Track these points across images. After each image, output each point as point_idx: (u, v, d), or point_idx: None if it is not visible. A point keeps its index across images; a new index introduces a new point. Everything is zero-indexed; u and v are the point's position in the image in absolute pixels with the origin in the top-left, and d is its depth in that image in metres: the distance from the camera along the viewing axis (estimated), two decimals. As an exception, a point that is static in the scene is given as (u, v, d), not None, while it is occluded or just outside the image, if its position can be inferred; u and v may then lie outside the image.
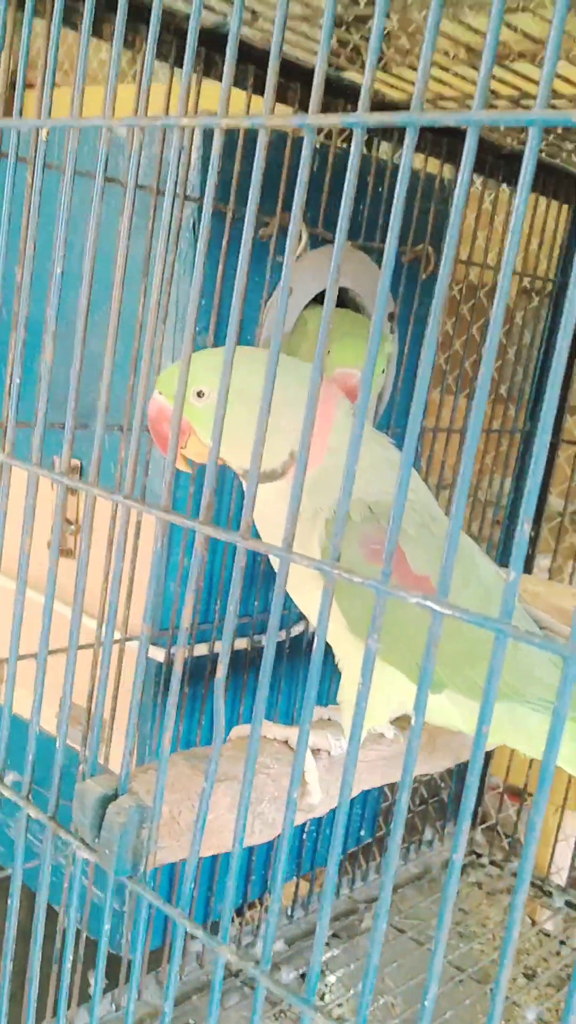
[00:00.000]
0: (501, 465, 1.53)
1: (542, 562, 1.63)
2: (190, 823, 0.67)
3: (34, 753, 0.70)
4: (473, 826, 1.69)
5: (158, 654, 1.11)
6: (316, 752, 0.75)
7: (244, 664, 1.21)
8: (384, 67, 0.97)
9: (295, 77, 1.00)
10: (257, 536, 0.77)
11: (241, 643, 1.19)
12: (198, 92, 1.00)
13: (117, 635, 1.08)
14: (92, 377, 0.65)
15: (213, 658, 1.16)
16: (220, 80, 0.97)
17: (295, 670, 1.29)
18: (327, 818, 1.41)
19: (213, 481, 0.58)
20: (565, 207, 1.37)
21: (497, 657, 0.46)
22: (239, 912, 1.36)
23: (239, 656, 1.20)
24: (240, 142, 0.99)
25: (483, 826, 1.70)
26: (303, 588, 0.73)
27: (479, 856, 1.66)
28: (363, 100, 0.48)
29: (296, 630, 1.26)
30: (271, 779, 0.71)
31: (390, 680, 0.70)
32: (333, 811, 1.11)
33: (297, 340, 1.13)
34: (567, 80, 0.97)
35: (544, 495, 1.54)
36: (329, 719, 0.80)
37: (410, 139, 0.47)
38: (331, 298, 0.52)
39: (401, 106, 1.09)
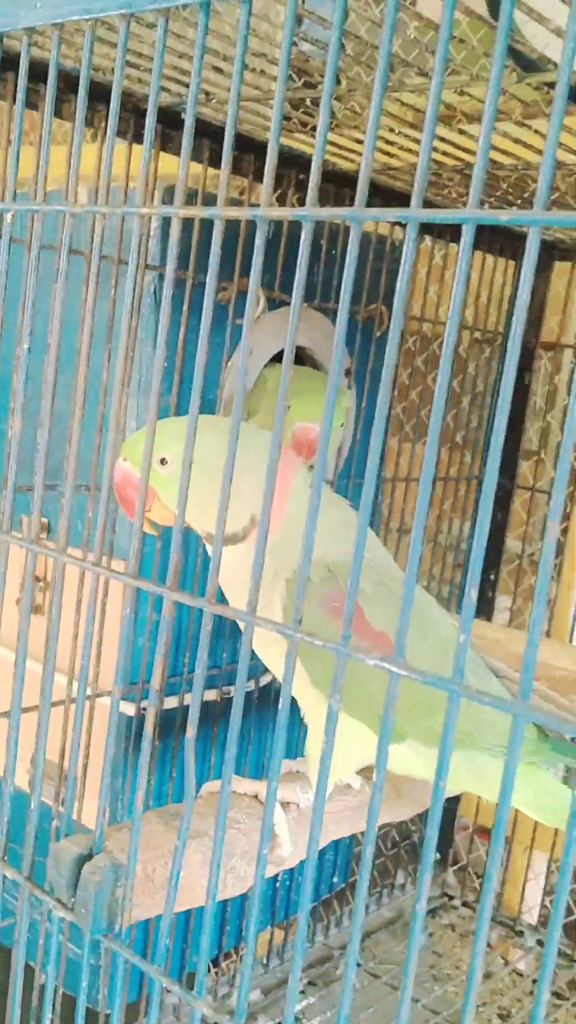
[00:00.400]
0: (459, 510, 1.57)
1: (502, 604, 1.67)
2: (164, 880, 0.69)
3: (8, 812, 0.71)
4: (444, 868, 1.71)
5: (128, 708, 1.13)
6: (285, 805, 0.77)
7: (214, 716, 1.23)
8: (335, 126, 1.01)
9: (248, 149, 1.04)
10: (222, 598, 0.80)
11: (210, 694, 1.21)
12: (156, 162, 1.04)
13: (88, 691, 1.09)
14: (59, 439, 0.68)
15: (183, 710, 1.17)
16: (176, 154, 1.01)
17: (264, 720, 1.31)
18: (299, 867, 1.42)
19: (178, 548, 0.61)
20: (512, 262, 1.43)
21: (451, 715, 0.48)
22: (215, 963, 1.37)
23: (208, 707, 1.22)
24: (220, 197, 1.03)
25: (455, 867, 1.71)
26: (267, 646, 0.75)
27: (451, 898, 1.68)
28: (360, 192, 0.52)
29: (264, 680, 1.28)
30: (242, 833, 0.73)
31: (354, 733, 0.72)
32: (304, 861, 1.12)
33: (257, 397, 1.16)
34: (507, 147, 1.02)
35: (502, 538, 1.58)
36: (297, 771, 0.82)
37: (411, 236, 0.50)
38: (288, 361, 0.55)
39: (351, 175, 1.14)
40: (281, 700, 0.55)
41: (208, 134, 1.00)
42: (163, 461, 0.76)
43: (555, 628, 1.57)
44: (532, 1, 0.73)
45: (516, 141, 0.85)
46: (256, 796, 0.77)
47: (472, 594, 0.49)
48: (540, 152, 0.86)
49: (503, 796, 0.45)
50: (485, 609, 1.59)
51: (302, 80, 0.81)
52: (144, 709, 1.15)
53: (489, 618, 1.58)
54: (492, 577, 1.59)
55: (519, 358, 1.31)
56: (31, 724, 0.72)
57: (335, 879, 1.54)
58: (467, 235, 0.48)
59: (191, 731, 0.59)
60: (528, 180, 1.02)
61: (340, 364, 0.53)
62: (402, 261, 0.48)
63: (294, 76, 0.80)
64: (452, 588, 1.66)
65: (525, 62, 0.85)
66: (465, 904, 1.67)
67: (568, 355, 1.49)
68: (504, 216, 0.46)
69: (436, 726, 0.73)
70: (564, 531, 1.59)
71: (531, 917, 1.64)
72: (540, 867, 1.64)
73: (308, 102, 0.85)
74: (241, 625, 0.59)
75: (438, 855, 1.71)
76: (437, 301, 1.38)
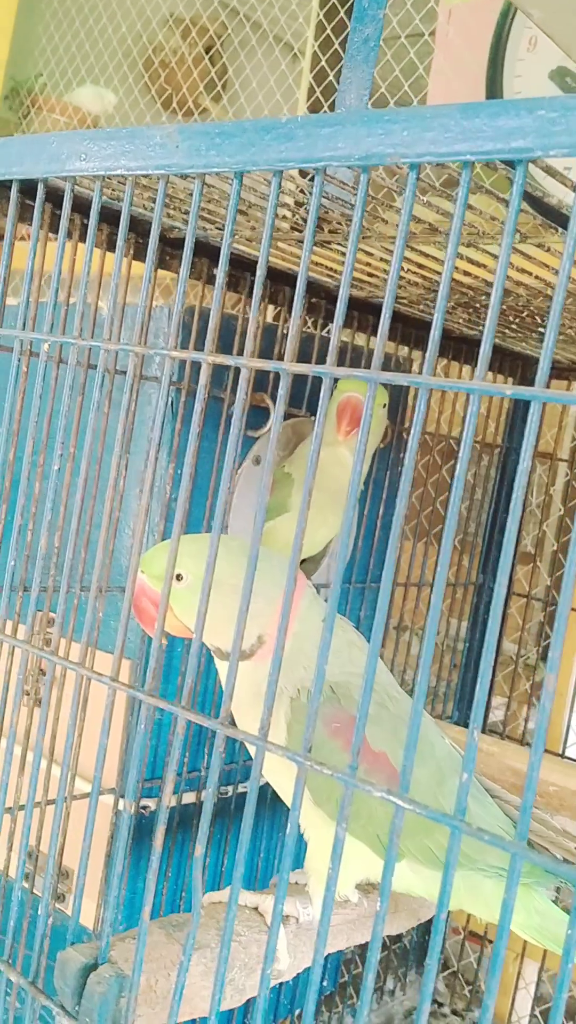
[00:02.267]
0: (457, 611, 1.60)
1: (497, 703, 1.69)
2: (166, 991, 0.70)
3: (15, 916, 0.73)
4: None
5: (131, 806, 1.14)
6: (285, 919, 0.78)
7: (229, 812, 1.24)
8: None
9: (244, 268, 1.10)
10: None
11: (191, 797, 1.23)
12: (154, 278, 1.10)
13: (88, 789, 1.11)
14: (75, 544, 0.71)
15: (182, 809, 1.19)
16: (176, 271, 1.07)
17: (259, 820, 1.31)
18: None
19: (195, 670, 0.64)
20: (510, 378, 1.48)
21: (453, 851, 0.51)
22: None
23: (190, 810, 1.23)
24: (215, 327, 1.08)
25: (444, 973, 1.70)
26: (271, 764, 0.78)
27: (440, 1005, 1.66)
28: (331, 355, 0.57)
29: (244, 787, 1.29)
30: (241, 946, 0.75)
31: (354, 852, 0.75)
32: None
33: (284, 493, 1.20)
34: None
35: (499, 642, 1.61)
36: (296, 883, 0.84)
37: (422, 399, 0.55)
38: (310, 477, 0.59)
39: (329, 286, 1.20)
40: (288, 826, 0.58)
41: (207, 253, 1.06)
42: (179, 577, 0.79)
43: (549, 735, 1.59)
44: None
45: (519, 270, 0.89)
46: (256, 909, 0.78)
47: (475, 735, 0.52)
48: (535, 276, 0.91)
49: (499, 940, 0.48)
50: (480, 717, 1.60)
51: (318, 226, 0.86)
52: (144, 808, 1.16)
53: (484, 722, 1.60)
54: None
55: (515, 469, 1.36)
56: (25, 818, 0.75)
57: (324, 983, 1.53)
58: (474, 403, 0.52)
59: (199, 850, 0.62)
60: (529, 303, 1.07)
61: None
62: (413, 424, 0.53)
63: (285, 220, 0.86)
64: (448, 688, 1.68)
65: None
66: (455, 1012, 1.66)
67: (562, 468, 1.54)
68: (508, 390, 0.51)
69: (433, 845, 0.75)
70: (559, 638, 1.62)
71: (521, 1028, 1.63)
72: (531, 976, 1.63)
73: (325, 242, 0.91)
74: (251, 748, 0.62)
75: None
76: (438, 410, 1.44)
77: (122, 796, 1.13)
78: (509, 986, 1.63)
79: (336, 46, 1.88)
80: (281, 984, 1.42)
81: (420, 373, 0.53)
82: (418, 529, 1.67)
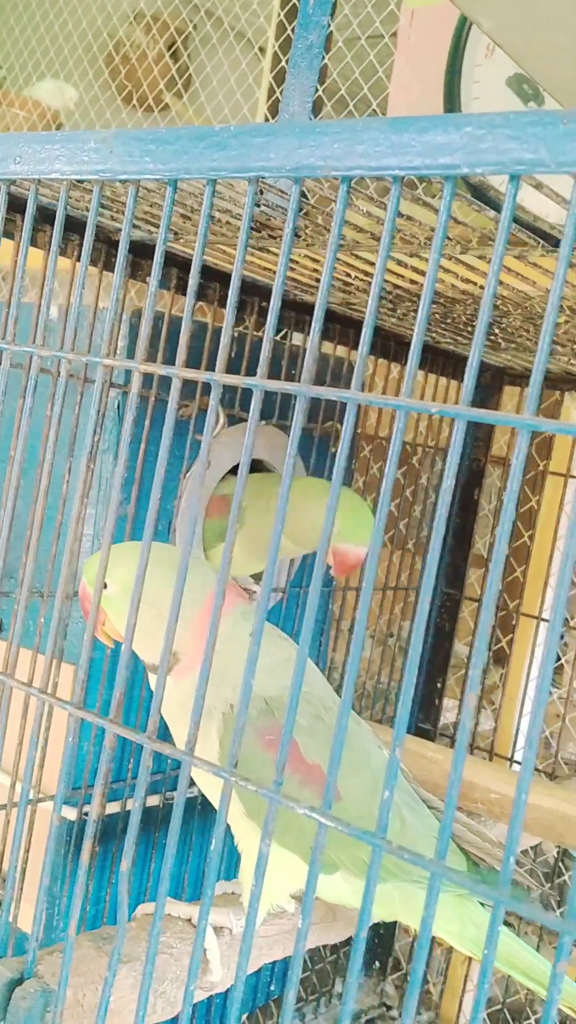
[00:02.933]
0: (410, 614, 1.61)
1: (449, 705, 1.69)
2: (94, 1005, 0.69)
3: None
4: (384, 977, 1.70)
5: (70, 813, 1.13)
6: (219, 930, 0.78)
7: (156, 822, 1.23)
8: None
9: (212, 278, 1.09)
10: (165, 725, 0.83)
11: (153, 799, 1.22)
12: (125, 286, 1.09)
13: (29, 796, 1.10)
14: (16, 545, 0.71)
15: (125, 815, 1.18)
16: (144, 281, 1.06)
17: (205, 827, 1.31)
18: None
19: (123, 683, 0.63)
20: (460, 383, 1.49)
21: (374, 868, 0.51)
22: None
23: (151, 813, 1.22)
24: (164, 332, 1.08)
25: (394, 976, 1.71)
26: (204, 778, 0.78)
27: (389, 1008, 1.67)
28: (261, 366, 0.56)
29: (190, 793, 1.28)
30: (173, 959, 0.74)
31: (288, 862, 0.74)
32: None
33: (262, 518, 1.15)
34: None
35: (449, 645, 1.61)
36: (233, 893, 0.84)
37: (350, 413, 0.54)
38: (243, 476, 0.58)
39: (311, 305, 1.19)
40: (215, 841, 0.57)
41: (176, 264, 1.05)
42: (106, 585, 0.79)
43: (499, 739, 1.60)
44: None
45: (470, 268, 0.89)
46: (190, 920, 0.78)
47: (397, 753, 0.52)
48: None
49: (417, 962, 0.47)
50: (432, 716, 1.61)
51: (264, 232, 0.86)
52: (86, 815, 1.15)
53: (435, 725, 1.60)
54: (439, 684, 1.62)
55: (468, 474, 1.36)
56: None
57: (272, 987, 1.53)
58: (400, 420, 0.52)
59: (125, 864, 0.61)
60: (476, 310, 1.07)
61: (290, 474, 0.57)
62: (340, 447, 0.52)
63: (258, 229, 0.85)
64: (399, 691, 1.69)
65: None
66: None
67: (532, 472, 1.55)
68: (434, 408, 0.50)
69: (365, 857, 0.75)
70: (508, 643, 1.63)
71: (468, 1030, 1.64)
72: (478, 978, 1.64)
73: (271, 249, 0.91)
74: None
75: (377, 964, 1.70)
76: (393, 414, 1.44)
77: (68, 803, 1.12)
78: (457, 988, 1.64)
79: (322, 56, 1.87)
80: (226, 993, 1.42)
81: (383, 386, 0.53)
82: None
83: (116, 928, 0.77)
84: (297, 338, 1.31)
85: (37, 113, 2.35)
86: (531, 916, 0.46)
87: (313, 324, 0.55)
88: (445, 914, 0.79)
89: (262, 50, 2.09)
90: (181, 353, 0.61)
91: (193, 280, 0.60)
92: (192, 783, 1.24)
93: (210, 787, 0.78)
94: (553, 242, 0.80)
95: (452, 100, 1.57)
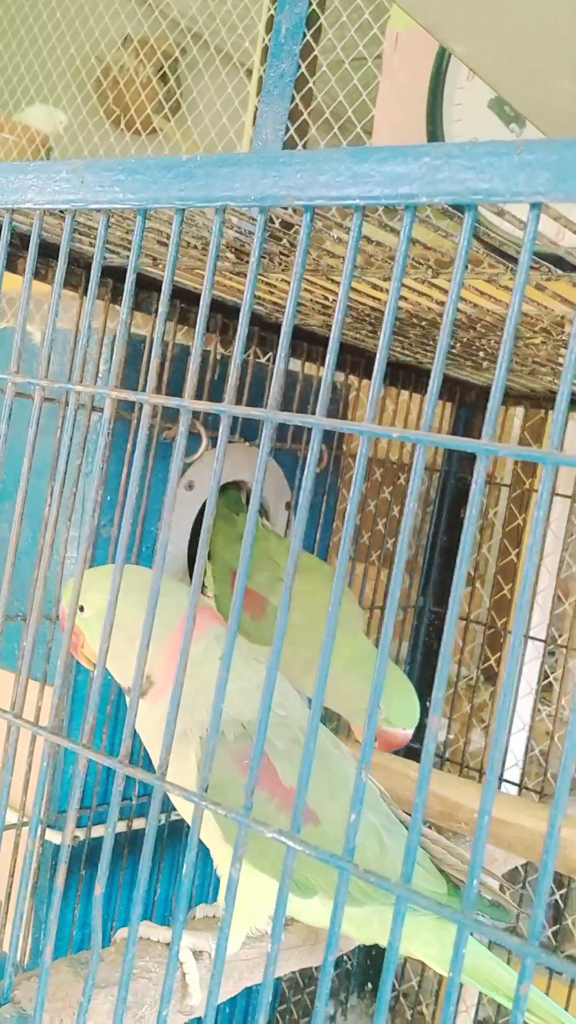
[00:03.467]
0: (398, 633, 1.61)
1: (439, 731, 1.69)
2: (72, 1031, 0.69)
3: None
4: (376, 999, 1.69)
5: (55, 837, 1.13)
6: (199, 954, 0.78)
7: (125, 847, 1.23)
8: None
9: (194, 303, 1.10)
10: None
11: (139, 823, 1.22)
12: (106, 311, 1.10)
13: (14, 819, 1.10)
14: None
15: (94, 842, 1.18)
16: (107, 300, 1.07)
17: (176, 853, 1.31)
18: (225, 1005, 1.41)
19: (95, 707, 0.63)
20: (448, 404, 1.50)
21: (341, 892, 0.51)
22: None
23: (138, 837, 1.22)
24: (145, 357, 1.08)
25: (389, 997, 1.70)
26: (182, 802, 0.78)
27: (381, 1029, 1.66)
28: (229, 392, 0.57)
29: (176, 815, 1.28)
30: (152, 983, 0.74)
31: (265, 885, 0.74)
32: (228, 1002, 1.12)
33: (270, 579, 1.12)
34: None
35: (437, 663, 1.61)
36: (214, 916, 0.83)
37: (316, 440, 0.55)
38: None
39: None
40: (186, 865, 0.57)
41: (156, 287, 1.07)
42: (81, 608, 0.80)
43: (487, 756, 1.60)
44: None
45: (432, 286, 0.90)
46: (169, 944, 0.78)
47: (364, 775, 0.52)
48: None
49: (383, 986, 0.48)
50: (418, 735, 1.61)
51: (244, 259, 0.87)
52: (74, 838, 1.15)
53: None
54: (427, 703, 1.62)
55: (455, 492, 1.37)
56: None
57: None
58: (364, 445, 0.52)
59: (99, 889, 0.61)
60: (455, 333, 1.08)
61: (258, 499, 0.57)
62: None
63: (231, 255, 0.86)
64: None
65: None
66: (395, 1036, 1.66)
67: (504, 492, 1.56)
68: (395, 433, 0.51)
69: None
70: (497, 661, 1.63)
71: (461, 1050, 1.63)
72: (471, 999, 1.63)
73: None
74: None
75: (370, 985, 1.70)
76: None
77: (50, 827, 1.12)
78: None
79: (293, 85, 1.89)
80: (215, 1019, 1.41)
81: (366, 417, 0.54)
82: (357, 551, 1.68)
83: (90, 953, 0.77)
84: (293, 363, 1.31)
85: (27, 138, 2.37)
86: (494, 938, 0.47)
87: (279, 348, 0.55)
88: (424, 937, 0.79)
89: (249, 72, 2.11)
90: (151, 380, 0.62)
91: (163, 307, 0.61)
92: (167, 809, 1.24)
93: (186, 811, 0.78)
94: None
95: (434, 122, 1.59)
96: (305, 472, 0.55)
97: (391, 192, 0.51)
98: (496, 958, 0.81)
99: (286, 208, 0.58)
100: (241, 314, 0.57)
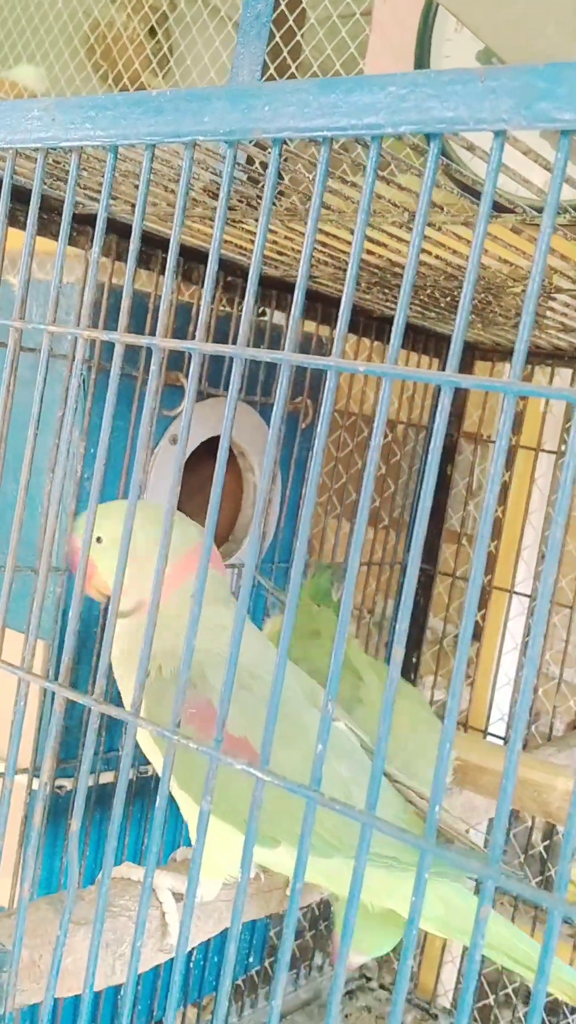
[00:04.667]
0: (384, 590, 1.62)
1: (424, 688, 1.70)
2: (50, 966, 0.70)
3: None
4: (363, 948, 1.71)
5: (46, 785, 1.14)
6: (179, 895, 0.79)
7: (131, 795, 1.24)
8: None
9: (156, 245, 1.09)
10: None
11: (108, 777, 1.23)
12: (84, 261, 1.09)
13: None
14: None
15: (99, 788, 1.19)
16: (121, 258, 1.06)
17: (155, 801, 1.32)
18: (215, 944, 1.43)
19: (72, 646, 0.64)
20: (436, 359, 1.49)
21: (308, 821, 0.52)
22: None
23: (109, 790, 1.24)
24: (126, 306, 1.08)
25: (373, 948, 1.72)
26: (142, 739, 0.79)
27: (368, 980, 1.68)
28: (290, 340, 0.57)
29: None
30: (133, 922, 0.75)
31: (233, 832, 0.75)
32: (220, 937, 1.14)
33: (349, 686, 1.05)
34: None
35: (424, 621, 1.62)
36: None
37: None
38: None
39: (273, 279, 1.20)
40: (159, 799, 0.58)
41: (117, 230, 1.06)
42: (99, 539, 0.84)
43: (473, 712, 1.61)
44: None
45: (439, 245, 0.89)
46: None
47: (329, 707, 0.52)
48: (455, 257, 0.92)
49: (344, 940, 0.48)
50: (406, 691, 1.62)
51: (239, 203, 0.86)
52: (60, 788, 1.16)
53: (410, 699, 1.61)
54: (415, 659, 1.63)
55: (442, 449, 1.36)
56: None
57: (251, 959, 1.54)
58: (331, 379, 0.53)
59: (75, 824, 0.62)
60: (437, 282, 1.08)
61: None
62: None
63: (209, 199, 0.85)
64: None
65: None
66: (382, 986, 1.68)
67: (490, 448, 1.55)
68: (362, 367, 0.51)
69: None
70: (482, 617, 1.64)
71: (446, 1000, 1.65)
72: (456, 950, 1.66)
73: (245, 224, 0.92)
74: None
75: (357, 935, 1.72)
76: (348, 390, 1.45)
77: (35, 776, 1.13)
78: (435, 960, 1.66)
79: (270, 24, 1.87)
80: (205, 960, 1.43)
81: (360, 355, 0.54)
82: (343, 511, 1.68)
83: (79, 892, 0.79)
84: (278, 316, 1.31)
85: (14, 95, 2.34)
86: (455, 864, 0.47)
87: (248, 286, 0.55)
88: (404, 891, 0.79)
89: (237, 26, 2.08)
90: (123, 319, 0.61)
91: (134, 245, 0.60)
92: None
93: (150, 753, 0.80)
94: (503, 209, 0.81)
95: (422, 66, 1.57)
96: (275, 410, 0.55)
97: (357, 122, 0.50)
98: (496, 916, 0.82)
99: (254, 143, 0.58)
100: (211, 252, 0.57)
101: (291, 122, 0.53)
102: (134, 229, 0.60)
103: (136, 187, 0.87)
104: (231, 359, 0.59)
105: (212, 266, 0.56)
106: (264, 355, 0.55)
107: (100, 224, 0.62)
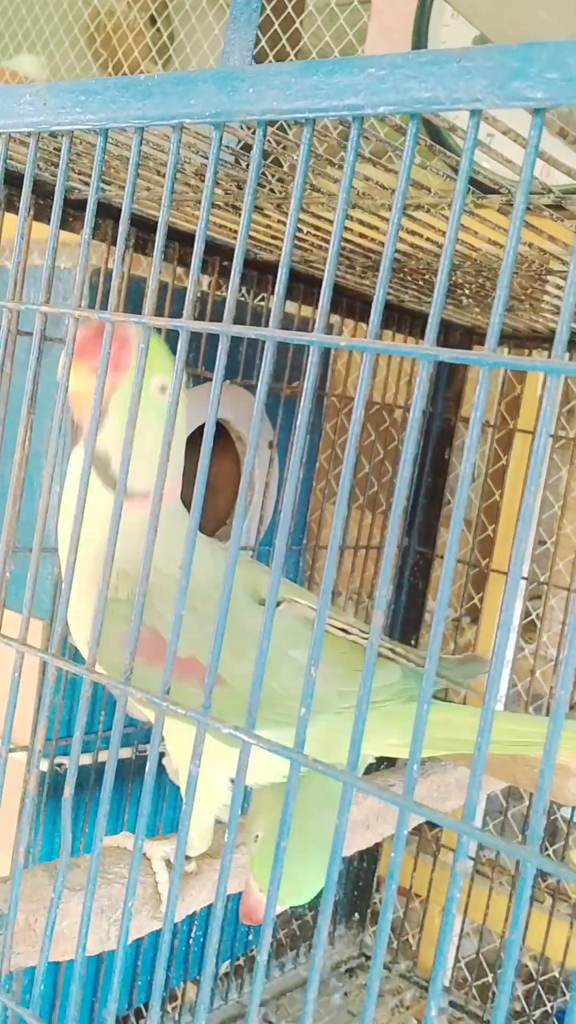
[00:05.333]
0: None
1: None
2: (44, 929, 0.72)
3: None
4: (363, 928, 1.74)
5: (42, 764, 1.16)
6: (169, 863, 0.81)
7: (130, 773, 1.26)
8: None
9: (154, 231, 1.11)
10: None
11: (126, 752, 1.25)
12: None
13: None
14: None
15: (99, 767, 1.21)
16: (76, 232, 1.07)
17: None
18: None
19: (64, 616, 0.66)
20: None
21: (292, 782, 0.53)
22: (125, 1020, 1.38)
23: (125, 765, 1.25)
24: (123, 290, 1.09)
25: (374, 927, 1.74)
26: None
27: (368, 958, 1.71)
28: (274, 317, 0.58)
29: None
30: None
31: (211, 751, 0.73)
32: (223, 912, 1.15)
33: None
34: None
35: (423, 604, 1.64)
36: (189, 829, 0.86)
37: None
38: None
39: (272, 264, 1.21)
40: (148, 765, 0.60)
41: (112, 215, 1.07)
42: (163, 388, 0.79)
43: (471, 693, 1.63)
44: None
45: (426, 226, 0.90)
46: (145, 853, 0.80)
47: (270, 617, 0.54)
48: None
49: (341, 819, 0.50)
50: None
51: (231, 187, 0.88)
52: (59, 766, 1.18)
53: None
54: (414, 642, 1.65)
55: (439, 433, 1.38)
56: None
57: (251, 936, 1.56)
58: (314, 355, 0.54)
59: (68, 791, 0.64)
60: (430, 266, 1.09)
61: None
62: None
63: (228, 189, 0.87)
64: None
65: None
66: (384, 965, 1.70)
67: (489, 433, 1.57)
68: (343, 342, 0.53)
69: (277, 714, 0.76)
70: (480, 600, 1.65)
71: (444, 979, 1.68)
72: (456, 929, 1.68)
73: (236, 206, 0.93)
74: (115, 692, 0.63)
75: (356, 915, 1.74)
76: (346, 375, 1.46)
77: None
78: (434, 937, 1.68)
79: (268, 12, 1.88)
80: (205, 936, 1.46)
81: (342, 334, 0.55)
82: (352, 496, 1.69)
83: (73, 860, 0.80)
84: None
85: (15, 83, 2.35)
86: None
87: (234, 264, 0.56)
88: (390, 731, 0.81)
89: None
90: (113, 299, 0.63)
91: (123, 227, 0.62)
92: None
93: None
94: (487, 191, 0.82)
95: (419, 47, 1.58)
96: (260, 384, 0.56)
97: (339, 103, 0.52)
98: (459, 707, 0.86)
99: (240, 125, 0.59)
100: (197, 232, 0.58)
101: (274, 104, 0.54)
102: (123, 212, 0.61)
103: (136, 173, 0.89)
104: (237, 343, 0.60)
105: (199, 244, 0.58)
106: (249, 332, 0.57)
107: (91, 207, 0.63)
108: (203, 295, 1.21)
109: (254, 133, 0.75)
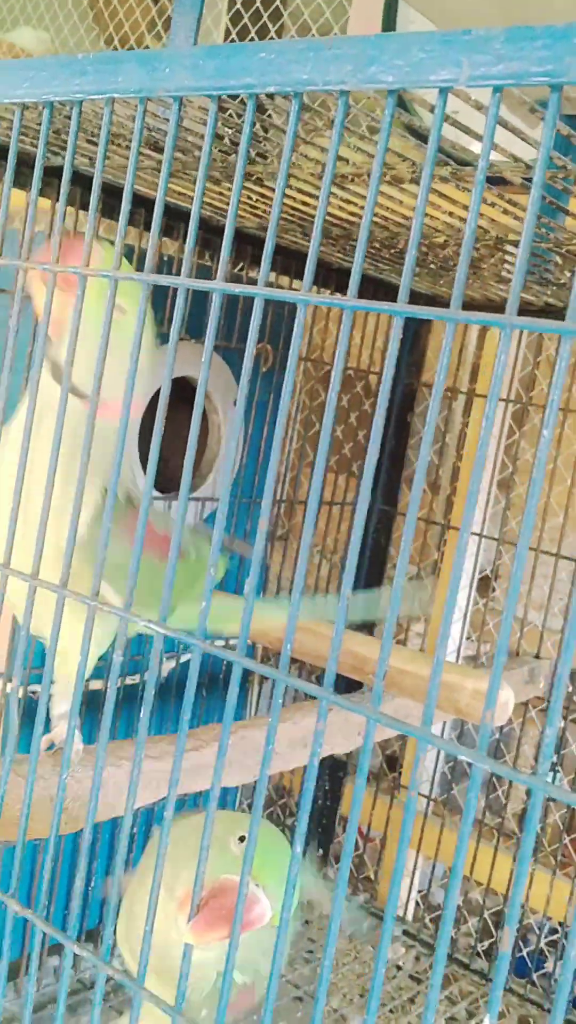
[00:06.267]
0: (346, 530, 1.73)
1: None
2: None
3: None
4: (325, 863, 1.84)
5: (20, 690, 1.26)
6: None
7: (171, 687, 1.39)
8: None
9: (137, 204, 1.19)
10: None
11: (168, 664, 1.37)
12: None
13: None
14: None
15: (128, 689, 1.32)
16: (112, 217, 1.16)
17: (215, 688, 1.46)
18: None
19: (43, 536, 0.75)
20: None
21: (192, 668, 0.63)
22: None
23: (132, 691, 1.37)
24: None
25: (336, 864, 1.85)
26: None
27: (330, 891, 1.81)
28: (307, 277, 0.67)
29: (184, 657, 1.42)
30: (76, 780, 0.87)
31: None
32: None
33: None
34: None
35: (385, 560, 1.73)
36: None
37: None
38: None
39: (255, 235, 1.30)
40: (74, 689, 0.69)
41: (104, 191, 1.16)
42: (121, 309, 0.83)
43: (430, 643, 1.72)
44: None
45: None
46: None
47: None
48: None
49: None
50: (367, 627, 1.73)
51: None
52: (34, 693, 1.28)
53: (371, 633, 1.72)
54: (376, 592, 1.74)
55: (402, 397, 1.49)
56: None
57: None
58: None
59: (12, 685, 0.73)
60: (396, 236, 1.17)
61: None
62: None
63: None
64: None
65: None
66: (344, 898, 1.81)
67: (452, 399, 1.65)
68: (375, 304, 0.61)
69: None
70: (441, 556, 1.74)
71: (401, 911, 1.78)
72: (411, 864, 1.78)
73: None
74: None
75: (320, 851, 1.84)
76: (322, 342, 1.55)
77: (9, 680, 1.25)
78: (390, 872, 1.78)
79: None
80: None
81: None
82: (303, 453, 1.78)
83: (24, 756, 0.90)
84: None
85: (12, 56, 2.43)
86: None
87: (225, 236, 0.65)
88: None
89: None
90: (85, 253, 0.72)
91: (94, 195, 0.70)
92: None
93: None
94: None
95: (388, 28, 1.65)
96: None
97: (236, 83, 0.60)
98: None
99: (161, 99, 0.67)
100: (156, 203, 0.66)
101: (186, 82, 0.63)
102: (95, 182, 0.69)
103: (126, 148, 0.97)
104: (204, 306, 0.67)
105: (159, 208, 0.67)
106: (239, 289, 0.65)
107: (66, 176, 0.71)
108: (169, 258, 1.30)
109: (262, 112, 0.83)
